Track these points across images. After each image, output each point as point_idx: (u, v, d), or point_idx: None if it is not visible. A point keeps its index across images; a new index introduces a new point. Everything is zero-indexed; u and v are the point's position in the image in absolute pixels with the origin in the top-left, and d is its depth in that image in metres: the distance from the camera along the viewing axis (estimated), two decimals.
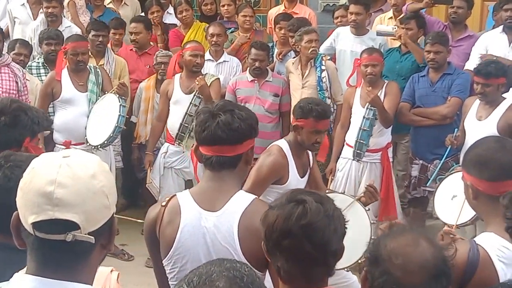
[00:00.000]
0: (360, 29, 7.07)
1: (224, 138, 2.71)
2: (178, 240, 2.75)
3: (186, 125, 6.21)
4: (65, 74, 6.28)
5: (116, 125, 6.05)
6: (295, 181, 4.48)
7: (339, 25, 7.55)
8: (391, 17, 7.48)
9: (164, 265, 2.84)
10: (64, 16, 7.83)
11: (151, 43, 7.69)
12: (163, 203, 2.83)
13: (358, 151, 6.03)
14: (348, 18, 7.22)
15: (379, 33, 7.12)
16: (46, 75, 6.72)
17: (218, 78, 6.54)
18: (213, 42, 7.13)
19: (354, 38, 7.08)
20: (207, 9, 8.23)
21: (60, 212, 1.60)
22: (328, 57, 6.81)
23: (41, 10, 7.74)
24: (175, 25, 8.29)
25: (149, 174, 6.53)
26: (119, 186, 6.47)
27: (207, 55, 7.23)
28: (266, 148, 4.57)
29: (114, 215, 1.76)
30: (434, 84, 6.28)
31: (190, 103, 6.19)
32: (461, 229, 4.38)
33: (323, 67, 6.56)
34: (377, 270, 2.05)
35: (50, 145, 6.21)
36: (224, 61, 7.23)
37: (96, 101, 6.27)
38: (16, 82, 6.30)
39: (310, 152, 4.69)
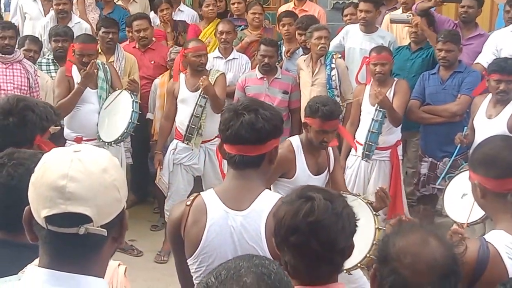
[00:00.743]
0: (369, 27, 7.06)
1: (247, 138, 2.68)
2: (204, 240, 2.73)
3: (193, 126, 6.22)
4: (75, 70, 6.30)
5: (130, 121, 6.07)
6: (305, 177, 4.48)
7: (348, 23, 7.54)
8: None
9: (189, 264, 2.81)
10: (74, 13, 7.85)
11: (154, 39, 7.69)
12: (188, 203, 2.80)
13: (367, 153, 6.02)
14: (357, 16, 7.21)
15: (393, 21, 7.12)
16: (55, 72, 6.74)
17: (223, 73, 6.55)
18: (222, 40, 7.14)
19: (363, 36, 7.07)
20: (208, 10, 8.09)
21: (72, 206, 1.61)
22: (339, 55, 6.80)
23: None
24: (184, 22, 8.29)
25: (159, 173, 6.54)
26: (129, 182, 6.46)
27: (216, 52, 7.25)
28: None
29: (125, 209, 1.77)
30: (445, 82, 6.27)
31: (196, 103, 6.20)
32: (470, 227, 4.37)
33: (333, 65, 6.57)
34: (385, 268, 2.05)
35: (60, 141, 6.22)
36: (233, 58, 7.24)
37: (106, 97, 6.29)
38: (28, 79, 6.34)
39: (332, 154, 4.69)
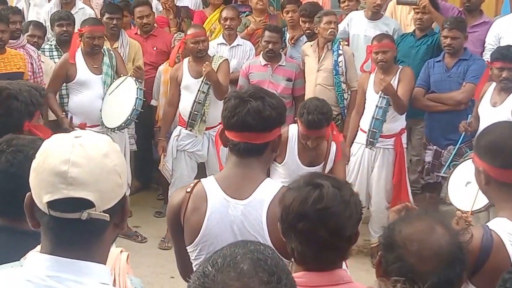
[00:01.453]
0: (375, 14, 7.03)
1: (254, 125, 2.67)
2: (204, 228, 2.72)
3: (196, 112, 6.22)
4: (79, 56, 6.30)
5: (134, 107, 6.06)
6: (294, 165, 4.51)
7: (346, 9, 7.46)
8: None
9: (189, 251, 2.81)
10: None
11: (155, 24, 7.66)
12: (188, 189, 2.79)
13: (371, 140, 6.00)
14: (355, 3, 7.27)
15: (400, 2, 7.08)
16: (58, 58, 6.75)
17: (227, 59, 6.54)
18: (226, 26, 7.13)
19: (367, 23, 7.05)
20: None
21: (74, 191, 1.61)
22: (346, 42, 6.78)
23: None
24: (187, 7, 8.26)
25: (163, 159, 6.55)
26: (133, 169, 6.49)
27: (221, 39, 7.23)
28: None
29: (127, 195, 1.77)
30: (450, 69, 6.25)
31: (199, 90, 6.20)
32: (474, 215, 4.36)
33: (340, 52, 6.55)
34: (391, 255, 2.05)
35: (64, 126, 6.23)
36: (237, 45, 7.22)
37: (111, 83, 6.28)
38: (31, 64, 6.34)
39: (333, 149, 4.68)
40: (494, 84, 5.57)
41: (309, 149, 4.61)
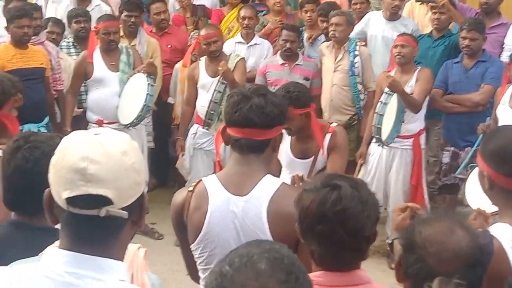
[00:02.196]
0: (393, 15, 7.01)
1: (256, 121, 2.70)
2: (206, 226, 2.75)
3: (212, 112, 6.23)
4: (97, 54, 6.34)
5: (144, 104, 6.08)
6: (287, 157, 4.50)
7: (357, 11, 7.40)
8: (421, 3, 7.40)
9: (192, 250, 2.84)
10: None
11: (170, 22, 7.67)
12: (190, 189, 2.82)
13: (377, 136, 5.97)
14: (367, 4, 7.30)
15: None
16: (76, 54, 6.81)
17: (243, 58, 6.55)
18: (244, 25, 7.13)
19: (385, 23, 7.02)
20: None
21: (93, 188, 1.61)
22: (363, 43, 6.77)
23: None
24: (204, 6, 8.27)
25: (181, 157, 6.56)
26: (150, 166, 6.52)
27: (238, 38, 7.23)
28: None
29: (145, 192, 1.77)
30: (468, 70, 6.22)
31: (215, 90, 6.20)
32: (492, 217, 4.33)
33: (356, 52, 6.54)
34: (411, 257, 2.05)
35: (82, 123, 6.28)
36: (255, 43, 7.23)
37: (127, 81, 6.30)
38: (50, 60, 6.37)
39: (327, 142, 4.60)
40: None
41: (301, 142, 4.59)
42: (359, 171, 6.28)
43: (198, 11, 8.12)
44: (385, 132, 5.89)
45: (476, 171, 4.71)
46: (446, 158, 6.34)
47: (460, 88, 6.24)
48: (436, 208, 6.35)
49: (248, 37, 7.20)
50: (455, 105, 6.24)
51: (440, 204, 6.48)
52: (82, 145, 1.66)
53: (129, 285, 1.69)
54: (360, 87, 6.55)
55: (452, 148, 6.28)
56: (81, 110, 6.62)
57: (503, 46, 6.63)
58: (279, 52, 6.79)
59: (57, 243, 1.73)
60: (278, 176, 4.04)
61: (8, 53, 6.03)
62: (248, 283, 1.48)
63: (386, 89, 6.04)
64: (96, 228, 1.65)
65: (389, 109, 5.87)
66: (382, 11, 7.13)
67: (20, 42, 6.02)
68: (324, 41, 6.97)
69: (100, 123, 6.14)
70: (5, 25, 6.12)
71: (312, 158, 4.58)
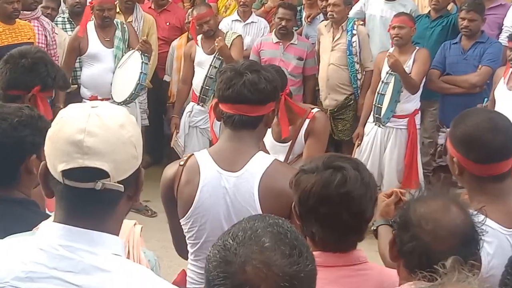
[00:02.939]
0: None
1: (249, 97, 2.68)
2: (197, 200, 2.74)
3: (207, 87, 6.21)
4: (91, 29, 6.28)
5: (138, 82, 6.06)
6: (268, 141, 4.43)
7: None
8: None
9: (182, 224, 2.84)
10: None
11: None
12: (181, 163, 2.81)
13: (377, 116, 5.97)
14: None
15: None
16: (71, 30, 6.77)
17: (240, 35, 6.51)
18: (241, 3, 7.10)
19: (384, 3, 6.97)
20: None
21: (89, 160, 1.59)
22: (361, 22, 6.74)
23: None
24: None
25: (175, 135, 6.54)
26: (144, 144, 6.48)
27: (235, 16, 7.19)
28: None
29: (141, 167, 1.75)
30: (466, 52, 6.21)
31: (210, 65, 6.19)
32: None
33: (354, 32, 6.52)
34: (406, 235, 2.04)
35: (76, 99, 6.23)
36: (252, 22, 7.20)
37: (122, 57, 6.26)
38: (45, 36, 6.32)
39: (305, 126, 4.52)
40: None
41: (279, 125, 4.54)
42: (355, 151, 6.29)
43: None
44: (383, 112, 5.89)
45: None
46: (441, 139, 6.35)
47: (457, 69, 6.23)
48: (430, 187, 6.36)
49: (245, 15, 7.16)
50: (452, 86, 6.23)
51: (435, 183, 6.49)
52: (79, 117, 1.64)
53: (123, 260, 1.67)
54: (357, 66, 6.53)
55: (448, 130, 6.26)
56: (75, 86, 6.58)
57: (502, 27, 6.60)
58: (274, 31, 6.76)
59: (53, 216, 1.72)
60: None
61: None
62: (252, 257, 1.48)
63: (387, 69, 6.02)
64: (92, 202, 1.64)
65: (389, 88, 5.87)
66: None
67: (9, 17, 5.92)
68: (323, 20, 6.93)
69: (93, 99, 6.10)
70: None
71: (289, 143, 4.55)
